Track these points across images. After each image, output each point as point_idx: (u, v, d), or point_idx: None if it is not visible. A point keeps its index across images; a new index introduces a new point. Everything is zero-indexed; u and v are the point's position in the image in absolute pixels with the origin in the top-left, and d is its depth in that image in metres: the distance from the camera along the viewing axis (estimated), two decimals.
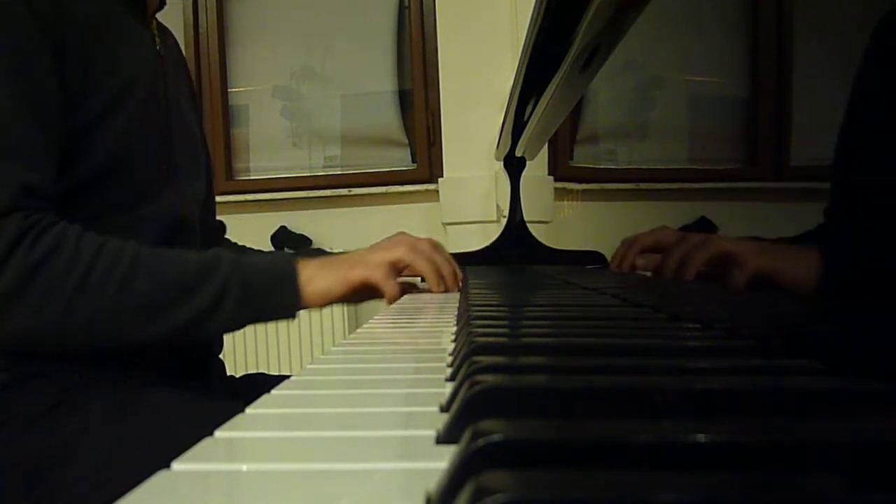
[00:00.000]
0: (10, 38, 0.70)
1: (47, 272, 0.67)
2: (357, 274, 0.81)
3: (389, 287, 0.82)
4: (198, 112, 1.02)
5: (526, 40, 0.94)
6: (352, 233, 2.31)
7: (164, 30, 0.93)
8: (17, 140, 0.69)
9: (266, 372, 1.16)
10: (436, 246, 0.90)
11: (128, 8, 0.83)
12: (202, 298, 0.73)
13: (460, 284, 0.92)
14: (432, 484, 0.20)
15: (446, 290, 0.90)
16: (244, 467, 0.23)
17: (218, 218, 1.08)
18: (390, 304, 0.83)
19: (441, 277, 0.88)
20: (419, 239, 0.89)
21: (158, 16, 0.91)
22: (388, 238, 0.90)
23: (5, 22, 0.70)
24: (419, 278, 0.93)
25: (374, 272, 0.81)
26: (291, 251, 1.04)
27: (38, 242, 0.67)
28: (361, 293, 0.83)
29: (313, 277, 0.79)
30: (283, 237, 2.31)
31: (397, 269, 0.85)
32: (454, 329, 0.55)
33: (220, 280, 0.74)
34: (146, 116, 0.82)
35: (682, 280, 0.66)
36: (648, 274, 0.86)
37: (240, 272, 0.75)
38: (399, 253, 0.85)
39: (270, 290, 0.77)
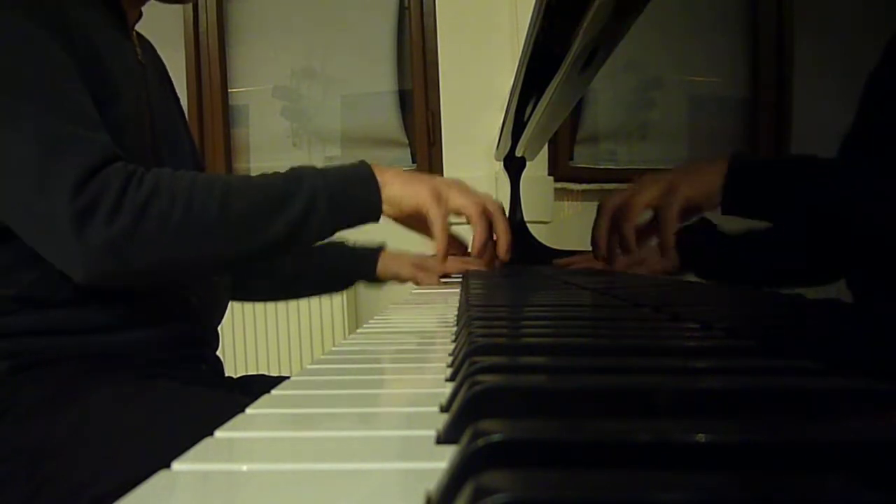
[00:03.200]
0: (45, 33, 0.74)
1: (155, 209, 0.72)
2: (426, 206, 0.82)
3: (440, 240, 0.83)
4: (182, 115, 1.06)
5: (526, 40, 0.94)
6: (352, 232, 2.31)
7: (142, 40, 0.96)
8: (90, 112, 0.76)
9: (266, 373, 1.16)
10: (500, 210, 0.89)
11: (110, 20, 0.86)
12: (295, 208, 0.77)
13: (505, 255, 0.92)
14: (432, 484, 0.20)
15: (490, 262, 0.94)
16: (244, 467, 0.23)
17: None
18: (437, 258, 0.86)
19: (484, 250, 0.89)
20: (495, 207, 0.88)
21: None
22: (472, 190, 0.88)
23: (36, 21, 0.74)
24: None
25: (438, 219, 0.82)
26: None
27: (142, 184, 0.72)
28: (424, 221, 0.84)
29: (391, 182, 0.82)
30: None
31: (459, 213, 0.86)
32: (454, 329, 0.55)
33: (308, 188, 0.78)
34: (133, 123, 0.85)
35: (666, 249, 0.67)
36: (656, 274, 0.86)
37: (323, 179, 0.79)
38: (469, 208, 0.85)
39: (354, 192, 0.80)
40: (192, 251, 0.74)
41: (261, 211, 0.76)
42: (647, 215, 0.72)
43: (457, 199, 0.85)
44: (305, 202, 0.77)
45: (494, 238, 0.90)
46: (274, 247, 0.77)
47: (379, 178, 0.81)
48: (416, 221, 0.85)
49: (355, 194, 0.80)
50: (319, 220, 0.78)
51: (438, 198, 0.83)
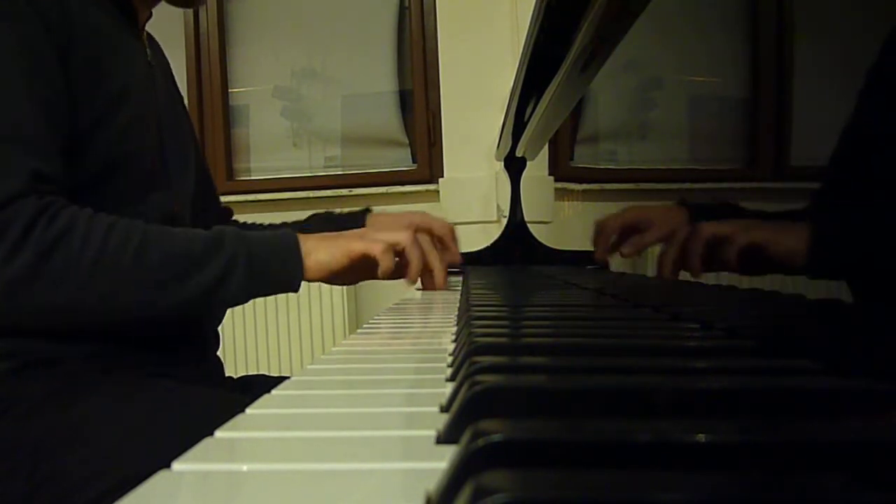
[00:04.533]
0: (19, 38, 0.72)
1: (64, 250, 0.69)
2: (357, 247, 0.82)
3: (385, 261, 0.83)
4: (186, 115, 1.06)
5: (526, 40, 0.94)
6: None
7: (151, 40, 0.96)
8: (28, 131, 0.72)
9: (266, 373, 1.16)
10: (442, 238, 0.91)
11: (120, 20, 0.86)
12: (211, 271, 0.75)
13: (447, 285, 0.94)
14: (432, 484, 0.20)
15: (427, 288, 0.93)
16: (244, 467, 0.23)
17: (225, 206, 1.14)
18: (383, 277, 0.85)
19: (428, 273, 0.90)
20: (428, 224, 0.89)
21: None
22: (397, 216, 0.90)
23: (15, 22, 0.72)
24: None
25: (373, 247, 0.83)
26: (295, 224, 1.06)
27: (53, 222, 0.69)
28: (360, 269, 0.85)
29: (314, 249, 0.81)
30: None
31: (395, 250, 0.86)
32: (454, 329, 0.55)
33: (227, 253, 0.76)
34: (140, 123, 0.84)
35: (689, 271, 0.66)
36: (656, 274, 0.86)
37: (245, 246, 0.78)
38: (400, 238, 0.86)
39: (274, 262, 0.79)
40: (96, 299, 0.71)
41: (175, 268, 0.74)
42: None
43: (382, 236, 0.85)
44: (223, 267, 0.76)
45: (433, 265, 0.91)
46: (184, 305, 0.75)
47: (303, 248, 0.81)
48: (354, 274, 0.86)
49: (275, 265, 0.79)
50: (235, 287, 0.76)
51: (364, 237, 0.84)
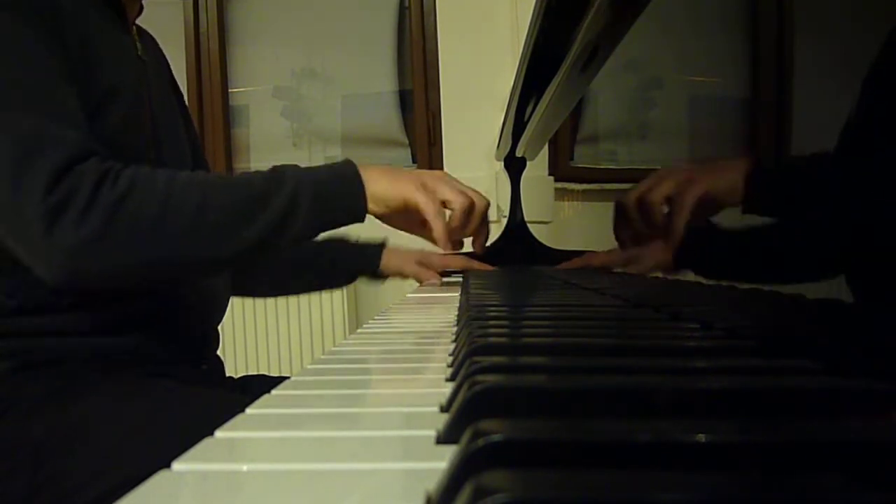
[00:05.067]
0: (36, 31, 0.74)
1: (131, 206, 0.70)
2: (416, 197, 0.81)
3: (439, 226, 0.82)
4: (185, 110, 1.05)
5: (526, 40, 0.94)
6: (352, 232, 2.31)
7: (143, 33, 0.95)
8: (72, 107, 0.74)
9: (266, 373, 1.16)
10: (483, 208, 0.89)
11: (109, 16, 0.86)
12: (275, 208, 0.75)
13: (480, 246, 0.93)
14: (432, 484, 0.20)
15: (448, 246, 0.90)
16: (244, 467, 0.23)
17: None
18: (441, 245, 0.84)
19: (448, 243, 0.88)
20: (481, 203, 0.88)
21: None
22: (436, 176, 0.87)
23: (28, 17, 0.74)
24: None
25: (429, 205, 0.81)
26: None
27: (117, 181, 0.70)
28: (411, 221, 0.84)
29: (376, 180, 0.80)
30: None
31: (446, 207, 0.85)
32: (454, 329, 0.55)
33: (290, 186, 0.76)
34: (133, 118, 0.84)
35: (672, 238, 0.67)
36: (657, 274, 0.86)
37: (306, 177, 0.77)
38: (456, 198, 0.84)
39: (337, 191, 0.79)
40: (167, 253, 0.72)
41: (240, 210, 0.74)
42: (664, 209, 0.71)
43: (444, 191, 0.83)
44: (287, 201, 0.75)
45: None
46: (254, 247, 0.75)
47: (363, 176, 0.80)
48: (404, 219, 0.84)
49: (339, 193, 0.78)
50: (301, 220, 0.76)
51: (426, 188, 0.82)
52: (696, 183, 0.63)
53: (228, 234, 0.74)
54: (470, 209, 0.86)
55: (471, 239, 0.94)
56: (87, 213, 0.68)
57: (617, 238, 0.85)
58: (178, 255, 0.73)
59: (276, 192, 0.75)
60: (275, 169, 0.78)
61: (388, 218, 0.84)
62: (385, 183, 0.80)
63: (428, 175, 0.85)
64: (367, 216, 0.82)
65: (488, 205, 0.90)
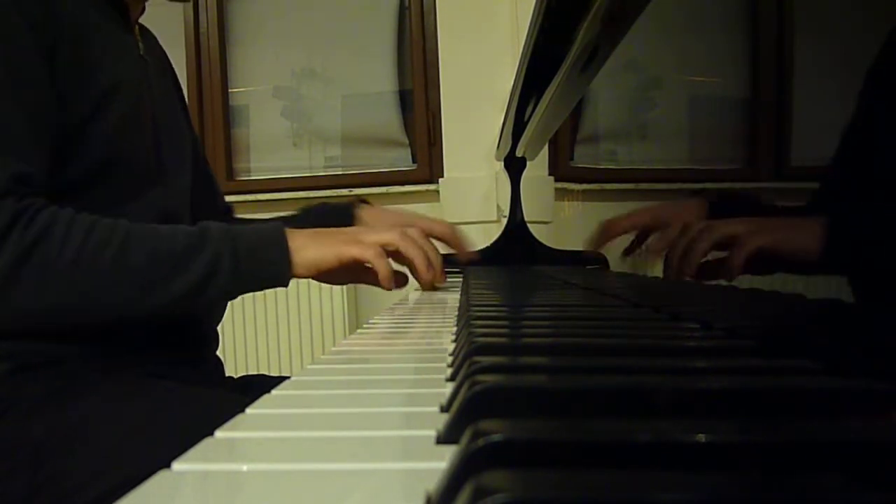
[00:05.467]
0: (1, 39, 0.71)
1: (43, 252, 0.68)
2: (350, 252, 0.80)
3: (382, 267, 0.81)
4: (185, 109, 1.05)
5: (526, 40, 0.94)
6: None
7: (146, 33, 0.95)
8: (6, 132, 0.71)
9: (266, 373, 1.16)
10: (442, 239, 0.89)
11: (111, 15, 0.85)
12: (196, 268, 0.74)
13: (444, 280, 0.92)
14: (432, 484, 0.20)
15: (431, 284, 0.90)
16: (244, 467, 0.23)
17: (228, 202, 1.13)
18: (386, 286, 0.83)
19: (430, 268, 0.88)
20: (428, 227, 0.88)
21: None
22: (383, 211, 0.87)
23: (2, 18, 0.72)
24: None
25: (366, 252, 0.81)
26: (281, 218, 1.04)
27: (31, 224, 0.68)
28: (354, 272, 0.83)
29: (303, 246, 0.79)
30: None
31: (388, 251, 0.84)
32: (454, 329, 0.55)
33: (213, 249, 0.75)
34: (134, 118, 0.84)
35: (685, 271, 0.66)
36: (656, 274, 0.86)
37: (230, 240, 0.76)
38: (390, 237, 0.84)
39: (261, 256, 0.77)
40: (78, 302, 0.70)
41: (159, 268, 0.73)
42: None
43: (375, 236, 0.82)
44: (208, 264, 0.74)
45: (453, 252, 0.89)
46: (169, 306, 0.73)
47: (291, 243, 0.79)
48: (344, 275, 0.84)
49: (261, 260, 0.77)
50: (220, 283, 0.75)
51: (355, 241, 0.81)
52: (767, 233, 0.58)
53: (145, 290, 0.72)
54: (406, 238, 0.84)
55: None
56: None
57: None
58: (91, 304, 0.71)
59: (199, 253, 0.74)
60: (202, 227, 0.77)
61: (325, 277, 0.84)
62: (314, 248, 0.79)
63: (353, 231, 0.85)
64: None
65: (446, 227, 0.90)
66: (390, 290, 0.85)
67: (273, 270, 0.78)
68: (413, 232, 0.87)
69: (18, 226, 0.68)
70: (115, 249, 0.71)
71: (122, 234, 0.72)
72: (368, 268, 0.83)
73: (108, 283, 0.71)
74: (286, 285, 0.80)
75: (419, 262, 0.86)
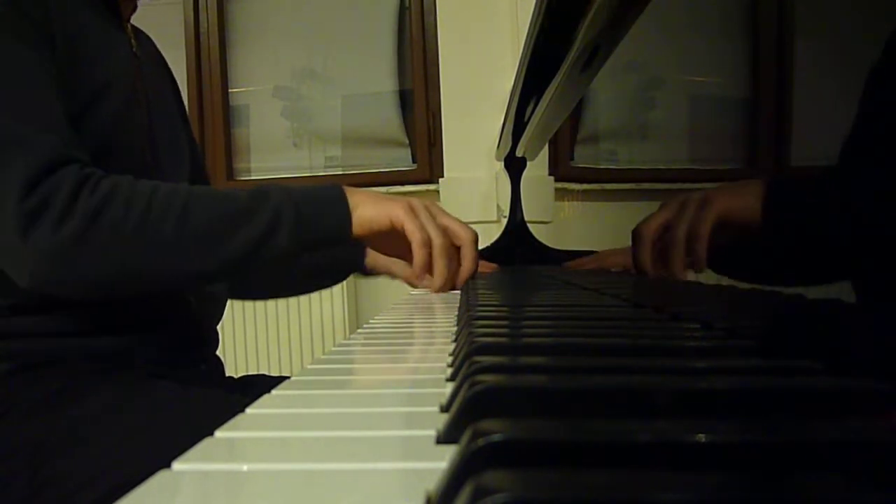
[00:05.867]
0: (16, 35, 0.73)
1: (109, 215, 0.69)
2: (402, 217, 0.79)
3: (420, 256, 0.80)
4: (181, 108, 1.04)
5: (526, 40, 0.94)
6: None
7: (139, 33, 0.95)
8: (54, 109, 0.73)
9: (266, 373, 1.16)
10: (462, 247, 0.85)
11: (103, 15, 0.86)
12: (258, 224, 0.74)
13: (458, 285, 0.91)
14: (432, 484, 0.20)
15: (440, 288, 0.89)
16: (245, 467, 0.23)
17: None
18: (414, 278, 0.82)
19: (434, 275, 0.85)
20: (456, 231, 0.84)
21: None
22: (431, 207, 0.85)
23: (5, 20, 0.73)
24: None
25: (416, 233, 0.79)
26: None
27: (97, 188, 0.69)
28: (398, 241, 0.81)
29: (361, 204, 0.79)
30: None
31: (430, 244, 0.82)
32: (454, 329, 0.55)
33: (274, 205, 0.75)
34: (127, 115, 0.84)
35: (699, 266, 0.66)
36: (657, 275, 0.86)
37: (291, 196, 0.76)
38: (436, 238, 0.81)
39: (322, 211, 0.77)
40: (145, 264, 0.71)
41: (223, 225, 0.73)
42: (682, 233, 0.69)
43: (431, 223, 0.81)
44: (269, 219, 0.74)
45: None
46: (235, 262, 0.73)
47: (349, 199, 0.78)
48: (389, 243, 0.82)
49: (322, 214, 0.77)
50: (283, 239, 0.75)
51: (414, 213, 0.80)
52: (711, 209, 0.61)
53: (209, 249, 0.72)
54: (446, 252, 0.82)
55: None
56: (64, 219, 0.67)
57: (637, 263, 0.84)
58: (157, 266, 0.71)
59: (260, 208, 0.74)
60: (260, 187, 0.77)
61: (373, 241, 0.83)
62: (371, 206, 0.79)
63: (415, 201, 0.83)
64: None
65: (476, 237, 0.86)
66: (417, 285, 0.84)
67: (334, 225, 0.78)
68: (467, 238, 0.84)
69: (85, 190, 0.69)
70: (179, 210, 0.71)
71: (183, 197, 0.73)
72: (413, 260, 0.81)
73: (174, 244, 0.71)
74: (347, 241, 0.79)
75: (438, 277, 0.82)
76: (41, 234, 0.67)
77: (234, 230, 0.73)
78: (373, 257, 1.12)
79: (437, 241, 0.81)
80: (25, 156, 0.68)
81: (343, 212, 0.78)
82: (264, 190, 0.76)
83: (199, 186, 0.76)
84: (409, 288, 1.15)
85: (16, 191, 0.66)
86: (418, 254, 0.80)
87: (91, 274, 0.70)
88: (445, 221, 0.83)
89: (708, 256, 0.63)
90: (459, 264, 0.85)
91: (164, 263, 0.72)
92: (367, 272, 1.14)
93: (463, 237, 0.84)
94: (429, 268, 0.82)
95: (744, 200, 0.57)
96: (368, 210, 0.79)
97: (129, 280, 0.72)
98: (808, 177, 0.53)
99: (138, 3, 0.92)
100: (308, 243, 0.77)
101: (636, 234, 0.82)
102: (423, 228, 0.80)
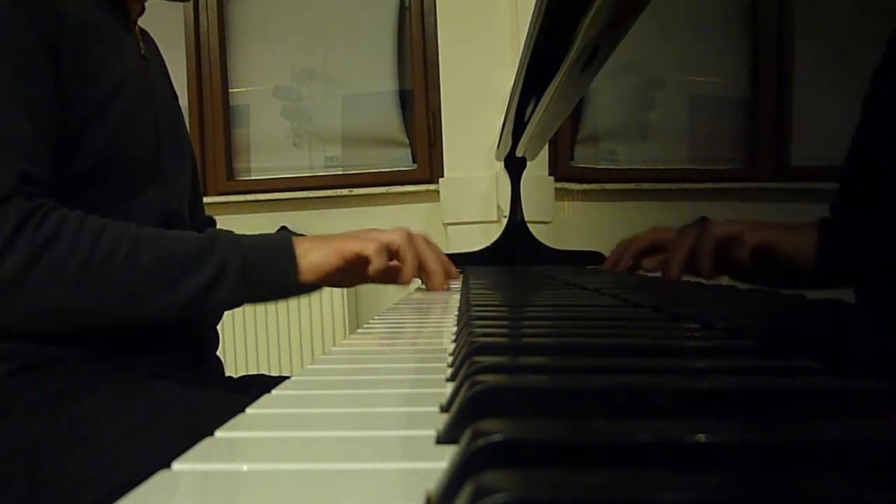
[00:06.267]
0: (5, 38, 0.72)
1: (52, 253, 0.68)
2: (351, 246, 0.81)
3: (378, 260, 0.82)
4: (179, 110, 1.04)
5: (526, 40, 0.94)
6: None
7: (145, 34, 0.95)
8: (13, 132, 0.71)
9: (266, 373, 1.16)
10: (430, 243, 0.90)
11: (112, 15, 0.85)
12: (203, 273, 0.74)
13: (448, 286, 0.92)
14: (432, 484, 0.20)
15: (429, 288, 0.91)
16: (245, 467, 0.23)
17: (208, 215, 1.10)
18: (374, 277, 0.84)
19: (428, 274, 0.89)
20: (419, 234, 0.89)
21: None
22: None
23: (1, 23, 0.71)
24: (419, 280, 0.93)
25: (367, 245, 0.81)
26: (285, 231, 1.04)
27: (41, 225, 0.68)
28: (354, 271, 0.83)
29: (308, 251, 0.80)
30: None
31: (390, 251, 0.85)
32: (454, 329, 0.55)
33: (220, 255, 0.75)
34: (135, 116, 0.84)
35: (697, 276, 0.66)
36: (657, 274, 0.86)
37: (238, 247, 0.77)
38: (393, 237, 0.85)
39: (268, 263, 0.78)
40: (85, 304, 0.70)
41: (166, 272, 0.73)
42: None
43: (379, 237, 0.84)
44: (215, 269, 0.74)
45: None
46: (175, 309, 0.74)
47: (297, 248, 0.79)
48: (345, 277, 0.84)
49: (269, 267, 0.78)
50: (227, 291, 0.75)
51: (357, 238, 0.82)
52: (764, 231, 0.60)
53: (151, 293, 0.72)
54: (410, 240, 0.86)
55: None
56: (4, 255, 0.66)
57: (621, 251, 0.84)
58: (97, 307, 0.71)
59: (206, 258, 0.74)
60: (209, 233, 0.78)
61: (330, 281, 0.84)
62: (318, 251, 0.80)
63: (357, 232, 0.86)
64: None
65: (425, 236, 0.90)
66: (376, 280, 0.86)
67: (280, 277, 0.78)
68: (419, 239, 0.88)
69: (28, 227, 0.68)
70: (124, 253, 0.71)
71: (131, 238, 0.72)
72: (370, 268, 0.83)
73: (117, 286, 0.71)
74: (292, 295, 0.81)
75: (408, 266, 0.86)
76: None
77: (178, 278, 0.73)
78: None
79: (397, 237, 0.84)
80: None
81: (289, 263, 0.79)
82: (213, 238, 0.77)
83: (150, 229, 0.75)
84: (409, 288, 1.15)
85: None
86: (377, 260, 0.82)
87: (31, 311, 0.70)
88: (392, 231, 0.86)
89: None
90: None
91: (103, 305, 0.71)
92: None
93: (412, 233, 0.87)
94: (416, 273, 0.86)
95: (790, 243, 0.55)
96: (315, 256, 0.80)
97: (71, 318, 0.72)
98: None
99: (146, 4, 0.92)
100: (253, 294, 0.78)
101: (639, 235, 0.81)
102: (375, 240, 0.82)
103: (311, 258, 0.80)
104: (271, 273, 0.78)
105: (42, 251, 0.68)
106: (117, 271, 0.70)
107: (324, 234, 0.84)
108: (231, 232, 0.80)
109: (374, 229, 0.87)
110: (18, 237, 0.67)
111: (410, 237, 0.86)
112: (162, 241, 0.74)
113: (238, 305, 0.79)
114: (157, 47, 1.00)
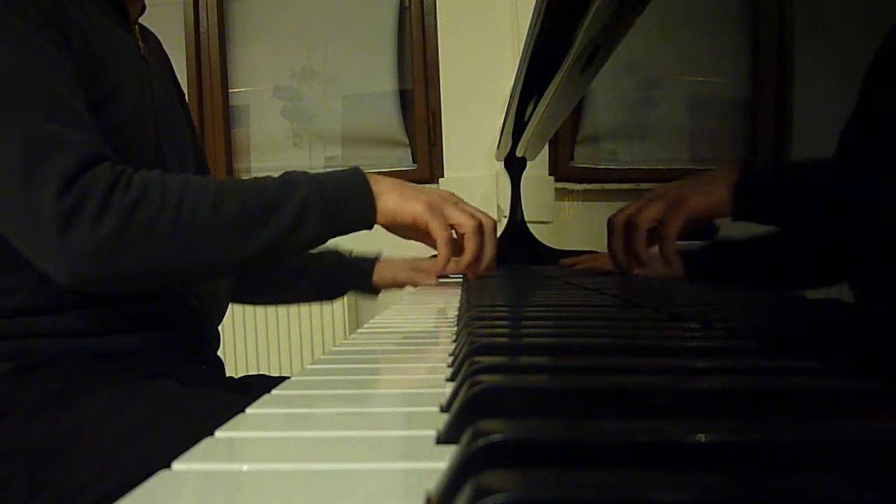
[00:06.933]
0: (38, 28, 0.73)
1: (144, 210, 0.70)
2: (424, 216, 0.81)
3: (444, 252, 0.82)
4: (185, 108, 1.05)
5: (527, 40, 0.94)
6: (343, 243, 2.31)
7: (146, 33, 0.95)
8: (80, 109, 0.74)
9: (266, 373, 1.16)
10: (494, 236, 0.89)
11: (112, 15, 0.86)
12: (287, 213, 0.76)
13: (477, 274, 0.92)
14: (432, 484, 0.20)
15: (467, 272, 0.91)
16: (245, 467, 0.23)
17: None
18: (438, 266, 0.84)
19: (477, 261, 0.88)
20: (490, 224, 0.88)
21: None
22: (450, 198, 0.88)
23: (32, 20, 0.73)
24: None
25: (439, 231, 0.82)
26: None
27: (130, 185, 0.70)
28: (419, 234, 0.84)
29: (384, 192, 0.81)
30: None
31: (456, 232, 0.85)
32: (454, 329, 0.55)
33: (301, 194, 0.77)
34: (135, 117, 0.84)
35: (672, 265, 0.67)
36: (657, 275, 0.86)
37: (317, 184, 0.78)
38: (464, 221, 0.84)
39: (348, 198, 0.79)
40: (180, 257, 0.72)
41: (252, 217, 0.74)
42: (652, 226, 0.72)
43: (454, 214, 0.84)
44: (298, 209, 0.76)
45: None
46: (264, 253, 0.75)
47: (374, 188, 0.80)
48: (410, 231, 0.85)
49: (349, 203, 0.79)
50: (311, 227, 0.77)
51: (436, 211, 0.82)
52: (682, 204, 0.64)
53: (240, 239, 0.74)
54: (479, 231, 0.86)
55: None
56: (100, 218, 0.68)
57: (610, 251, 0.85)
58: (191, 259, 0.73)
59: (288, 199, 0.76)
60: (287, 175, 0.79)
61: (393, 230, 0.85)
62: (395, 199, 0.81)
63: (438, 195, 0.85)
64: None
65: (496, 225, 0.89)
66: (438, 278, 0.88)
67: (359, 213, 0.80)
68: (488, 224, 0.87)
69: (120, 187, 0.69)
70: (210, 203, 0.72)
71: (214, 190, 0.74)
72: (431, 239, 0.84)
73: (207, 236, 0.72)
74: (371, 228, 0.82)
75: (467, 258, 0.86)
76: (79, 234, 0.67)
77: (264, 221, 0.75)
78: (378, 275, 1.14)
79: (469, 223, 0.84)
80: (60, 155, 0.68)
81: (368, 201, 0.80)
82: (292, 179, 0.78)
83: (228, 178, 0.79)
84: (409, 289, 1.15)
85: (52, 191, 0.67)
86: (443, 250, 0.83)
87: (130, 270, 0.70)
88: (469, 210, 0.86)
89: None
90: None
91: (197, 256, 0.73)
92: (372, 290, 1.15)
93: (486, 224, 0.87)
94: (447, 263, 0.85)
95: (714, 194, 0.58)
96: (392, 202, 0.81)
97: (166, 273, 0.74)
98: (778, 166, 0.53)
99: (146, 5, 0.92)
100: (335, 230, 0.80)
101: (609, 225, 0.83)
102: (446, 227, 0.83)
103: (387, 201, 0.81)
104: (350, 212, 0.79)
105: (134, 210, 0.69)
106: (206, 220, 0.72)
107: (400, 182, 0.84)
108: (306, 171, 0.81)
109: (455, 201, 0.86)
110: (112, 198, 0.69)
111: (481, 229, 0.86)
112: (243, 188, 0.76)
113: (324, 241, 0.80)
114: (160, 47, 1.00)
